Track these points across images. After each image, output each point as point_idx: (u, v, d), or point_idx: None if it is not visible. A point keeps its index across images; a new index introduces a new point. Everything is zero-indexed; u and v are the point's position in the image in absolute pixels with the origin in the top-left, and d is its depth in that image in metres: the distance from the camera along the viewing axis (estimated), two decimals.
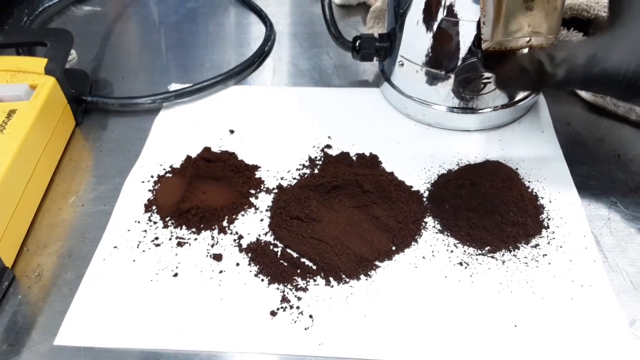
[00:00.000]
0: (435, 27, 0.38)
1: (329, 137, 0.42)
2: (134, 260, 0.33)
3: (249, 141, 0.42)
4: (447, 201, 0.35)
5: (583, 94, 0.44)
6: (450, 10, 0.37)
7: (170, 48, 0.54)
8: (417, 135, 0.42)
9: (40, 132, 0.38)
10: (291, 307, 0.30)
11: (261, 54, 0.51)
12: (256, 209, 0.36)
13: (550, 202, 0.36)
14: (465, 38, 0.37)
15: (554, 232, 0.34)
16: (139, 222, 0.36)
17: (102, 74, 0.50)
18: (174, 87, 0.47)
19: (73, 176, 0.40)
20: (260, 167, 0.39)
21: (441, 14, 0.37)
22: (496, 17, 0.31)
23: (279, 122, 0.44)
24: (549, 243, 0.34)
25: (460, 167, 0.38)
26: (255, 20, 0.57)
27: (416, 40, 0.40)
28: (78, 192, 0.38)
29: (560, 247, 0.34)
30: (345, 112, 0.44)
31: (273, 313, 0.30)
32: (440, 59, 0.39)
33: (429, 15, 0.38)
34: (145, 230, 0.35)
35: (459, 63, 0.38)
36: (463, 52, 0.38)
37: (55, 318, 0.30)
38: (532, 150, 0.40)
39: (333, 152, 0.40)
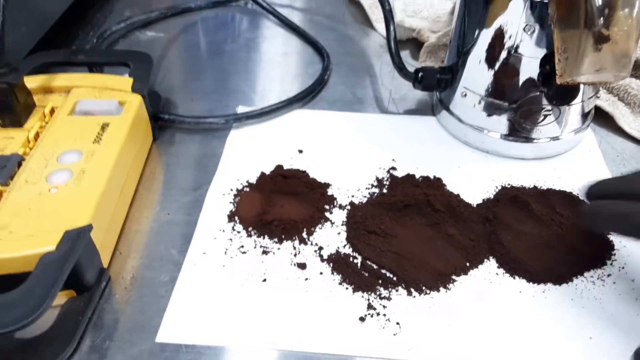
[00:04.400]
0: (501, 62, 0.41)
1: (393, 159, 0.44)
2: (223, 266, 0.35)
3: (317, 161, 0.44)
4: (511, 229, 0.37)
5: (628, 129, 0.47)
6: (516, 47, 0.40)
7: (231, 74, 0.57)
8: (476, 161, 0.45)
9: (130, 144, 0.40)
10: (378, 314, 0.32)
11: (321, 82, 0.54)
12: (332, 223, 0.39)
13: None
14: (530, 73, 0.40)
15: (615, 254, 0.37)
16: (223, 231, 0.38)
17: (169, 96, 0.53)
18: (241, 109, 0.50)
19: (155, 187, 0.42)
20: (331, 184, 0.42)
21: (507, 51, 0.40)
22: (573, 55, 0.34)
23: (344, 144, 0.46)
24: (612, 264, 0.36)
25: (523, 191, 0.41)
26: (310, 50, 0.61)
27: (480, 73, 0.43)
28: (162, 202, 0.40)
29: (622, 267, 0.36)
30: (405, 138, 0.47)
31: (362, 319, 0.32)
32: (504, 91, 0.42)
33: (495, 51, 0.41)
34: (231, 239, 0.37)
35: (523, 96, 0.41)
36: (527, 85, 0.41)
37: (154, 317, 0.32)
38: (585, 180, 0.42)
39: (398, 173, 0.43)
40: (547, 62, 0.39)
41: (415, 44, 0.60)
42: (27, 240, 0.30)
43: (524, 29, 0.39)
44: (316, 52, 0.60)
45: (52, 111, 0.42)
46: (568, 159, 0.45)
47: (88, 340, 0.31)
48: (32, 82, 0.43)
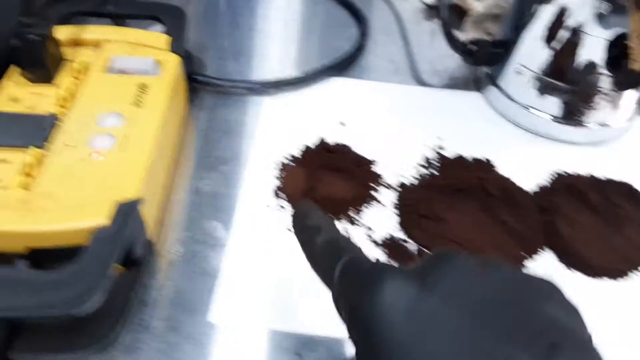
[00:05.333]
0: (563, 40, 0.39)
1: (439, 137, 0.43)
2: (271, 243, 0.34)
3: (360, 135, 0.42)
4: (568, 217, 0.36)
5: None
6: (582, 25, 0.38)
7: (261, 35, 0.54)
8: (526, 143, 0.43)
9: (172, 109, 0.38)
10: None
11: (360, 48, 0.51)
12: (380, 203, 0.37)
13: None
14: (595, 54, 0.38)
15: None
16: (268, 206, 0.36)
17: (198, 54, 0.50)
18: (275, 75, 0.48)
19: (192, 155, 0.40)
20: (376, 161, 0.40)
21: (571, 29, 0.38)
22: None
23: (387, 118, 0.44)
24: None
25: (580, 179, 0.39)
26: (341, 13, 0.58)
27: (538, 50, 0.40)
28: (201, 171, 0.38)
29: None
30: (450, 114, 0.45)
31: None
32: (563, 71, 0.40)
33: (557, 28, 0.39)
34: (277, 216, 0.35)
35: (583, 78, 0.39)
36: (589, 67, 0.39)
37: (203, 294, 0.31)
38: (636, 168, 0.41)
39: (446, 153, 0.41)
40: (616, 45, 0.37)
41: (457, 11, 0.57)
42: (76, 212, 0.28)
43: (594, 6, 0.37)
44: (352, 16, 0.57)
45: (82, 66, 0.39)
46: (618, 146, 0.44)
47: (136, 318, 0.30)
48: (61, 33, 0.40)
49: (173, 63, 0.39)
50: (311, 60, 0.50)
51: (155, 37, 0.42)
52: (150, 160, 0.32)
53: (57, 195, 0.29)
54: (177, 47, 0.41)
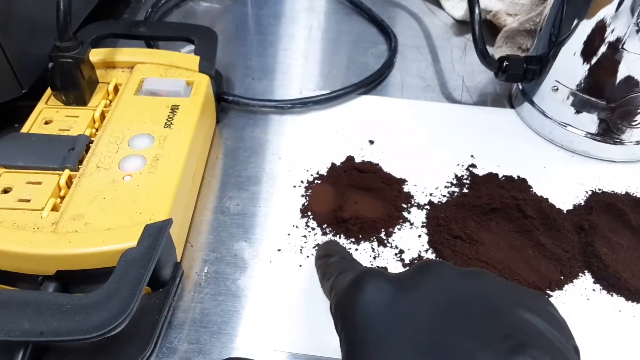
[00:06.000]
0: (603, 57, 0.37)
1: (472, 155, 0.42)
2: (300, 265, 0.33)
3: (390, 153, 0.42)
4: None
5: None
6: (623, 42, 0.36)
7: (290, 53, 0.54)
8: (562, 161, 0.42)
9: (201, 130, 0.38)
10: None
11: (389, 65, 0.51)
12: (411, 224, 0.36)
13: None
14: (637, 71, 0.37)
15: None
16: (297, 227, 0.36)
17: (227, 73, 0.50)
18: (304, 93, 0.48)
19: (221, 175, 0.40)
20: (407, 181, 0.39)
21: (612, 45, 0.37)
22: None
23: (418, 136, 0.43)
24: None
25: (618, 198, 0.38)
26: (372, 29, 0.57)
27: (576, 66, 0.39)
28: (229, 191, 0.38)
29: None
30: (483, 131, 0.44)
31: None
32: (603, 88, 0.38)
33: (596, 45, 0.37)
34: (305, 236, 0.35)
35: (624, 95, 0.38)
36: (631, 84, 0.37)
37: (232, 317, 0.31)
38: None
39: (478, 171, 0.40)
40: None
41: (487, 26, 0.56)
42: (106, 234, 0.28)
43: (635, 22, 0.35)
44: (380, 32, 0.56)
45: (115, 89, 0.40)
46: None
47: (165, 341, 0.30)
48: (94, 56, 0.41)
49: (203, 84, 0.40)
50: (339, 78, 0.50)
51: (186, 58, 0.42)
52: (178, 182, 0.32)
53: (87, 218, 0.29)
54: (207, 67, 0.41)
